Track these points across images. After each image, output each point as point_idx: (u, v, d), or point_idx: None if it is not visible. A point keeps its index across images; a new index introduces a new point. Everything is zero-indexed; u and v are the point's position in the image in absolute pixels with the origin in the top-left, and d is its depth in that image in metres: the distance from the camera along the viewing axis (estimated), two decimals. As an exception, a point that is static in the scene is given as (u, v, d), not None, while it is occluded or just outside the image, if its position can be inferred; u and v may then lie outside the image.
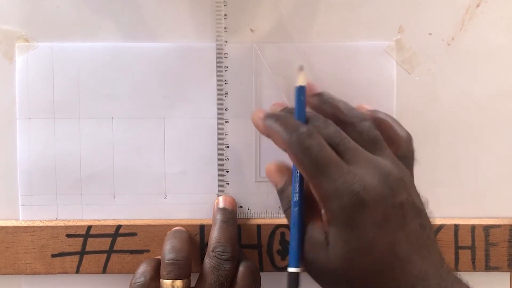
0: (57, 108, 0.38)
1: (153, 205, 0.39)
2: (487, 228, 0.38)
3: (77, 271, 0.38)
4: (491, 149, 0.39)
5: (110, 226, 0.38)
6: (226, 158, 0.39)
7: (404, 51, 0.38)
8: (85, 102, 0.38)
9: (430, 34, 0.38)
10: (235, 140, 0.39)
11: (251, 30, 0.38)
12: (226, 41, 0.38)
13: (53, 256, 0.38)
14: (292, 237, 0.30)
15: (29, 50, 0.38)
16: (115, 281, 0.39)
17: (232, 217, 0.37)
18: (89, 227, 0.38)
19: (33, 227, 0.38)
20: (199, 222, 0.38)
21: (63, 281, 0.39)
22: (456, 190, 0.39)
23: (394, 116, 0.38)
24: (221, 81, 0.38)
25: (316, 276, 0.31)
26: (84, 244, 0.38)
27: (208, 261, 0.34)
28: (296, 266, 0.30)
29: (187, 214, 0.39)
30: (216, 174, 0.39)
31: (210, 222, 0.38)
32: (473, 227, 0.38)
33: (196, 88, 0.38)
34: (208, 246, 0.35)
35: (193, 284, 0.34)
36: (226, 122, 0.38)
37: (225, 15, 0.38)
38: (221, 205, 0.37)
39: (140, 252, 0.38)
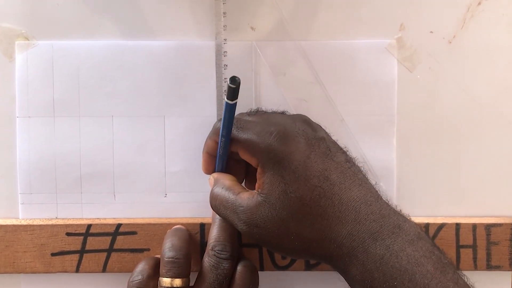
0: (57, 106, 0.38)
1: (153, 203, 0.39)
2: (488, 227, 0.38)
3: (77, 270, 0.38)
4: (493, 147, 0.39)
5: (110, 224, 0.38)
6: None
7: (405, 49, 0.38)
8: (85, 100, 0.38)
9: (431, 32, 0.38)
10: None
11: (252, 28, 0.38)
12: (225, 39, 0.38)
13: (53, 254, 0.38)
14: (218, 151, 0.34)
15: (29, 48, 0.38)
16: (115, 280, 0.39)
17: None
18: (89, 226, 0.38)
19: (33, 225, 0.38)
20: (199, 221, 0.38)
21: (62, 280, 0.39)
22: (458, 189, 0.39)
23: (395, 115, 0.38)
24: (220, 79, 0.38)
25: (265, 237, 0.31)
26: (84, 242, 0.38)
27: (207, 260, 0.34)
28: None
29: (187, 213, 0.39)
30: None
31: (210, 221, 0.38)
32: (474, 226, 0.38)
33: (196, 86, 0.38)
34: (207, 245, 0.35)
35: (192, 283, 0.34)
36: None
37: (224, 13, 0.38)
38: None
39: (140, 251, 0.38)
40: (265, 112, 0.35)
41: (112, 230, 0.38)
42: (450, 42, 0.38)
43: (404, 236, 0.29)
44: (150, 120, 0.38)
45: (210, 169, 0.36)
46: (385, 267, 0.28)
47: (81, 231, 0.38)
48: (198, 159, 0.38)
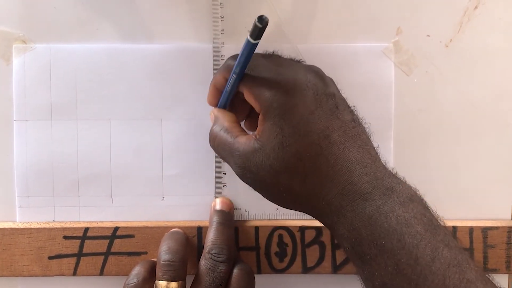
0: (55, 109, 0.38)
1: (151, 207, 0.39)
2: (485, 230, 0.38)
3: (74, 273, 0.38)
4: (489, 150, 0.39)
5: (107, 228, 0.38)
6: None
7: (402, 53, 0.38)
8: (82, 104, 0.38)
9: (428, 36, 0.38)
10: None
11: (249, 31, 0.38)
12: (223, 43, 0.38)
13: (50, 258, 0.38)
14: (227, 86, 0.33)
15: (26, 52, 0.38)
16: (112, 283, 0.39)
17: (228, 219, 0.37)
18: (86, 229, 0.38)
19: (30, 229, 0.38)
20: (197, 224, 0.38)
21: (60, 283, 0.39)
22: (454, 192, 0.39)
23: (392, 119, 0.38)
24: None
25: (256, 183, 0.31)
26: (81, 246, 0.38)
27: (204, 263, 0.34)
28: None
29: (185, 216, 0.39)
30: (213, 176, 0.39)
31: (207, 224, 0.38)
32: (471, 229, 0.38)
33: (193, 89, 0.38)
34: (204, 248, 0.35)
35: (188, 285, 0.34)
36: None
37: (222, 17, 0.38)
38: (218, 207, 0.37)
39: (138, 254, 0.38)
40: (279, 57, 0.34)
41: (109, 233, 0.38)
42: (447, 46, 0.39)
43: (395, 198, 0.29)
44: (147, 123, 0.38)
45: (214, 102, 0.35)
46: (373, 227, 0.28)
47: (79, 235, 0.38)
48: (195, 162, 0.39)
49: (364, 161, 0.30)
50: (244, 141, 0.31)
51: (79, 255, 0.38)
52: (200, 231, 0.38)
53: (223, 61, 0.38)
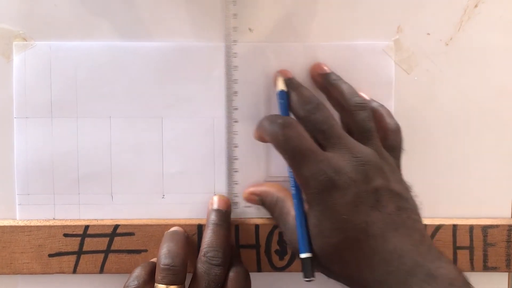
0: (55, 107, 0.38)
1: (151, 205, 0.39)
2: (485, 228, 0.38)
3: (74, 271, 0.38)
4: (490, 149, 0.39)
5: (107, 225, 0.38)
6: (235, 157, 0.39)
7: (402, 51, 0.39)
8: (82, 101, 0.38)
9: (428, 34, 0.39)
10: (244, 140, 0.38)
11: (250, 30, 0.38)
12: (235, 41, 0.38)
13: (50, 255, 0.38)
14: (298, 226, 0.33)
15: (26, 49, 0.38)
16: (112, 281, 0.39)
17: (225, 219, 0.37)
18: (87, 227, 0.38)
19: (30, 226, 0.38)
20: (197, 222, 0.38)
21: (60, 281, 0.39)
22: (454, 190, 0.39)
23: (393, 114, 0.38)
24: (230, 81, 0.38)
25: (298, 257, 0.33)
26: (81, 243, 0.38)
27: (199, 266, 0.34)
28: (306, 252, 0.32)
29: (185, 214, 0.39)
30: (213, 174, 0.39)
31: (208, 221, 0.38)
32: (471, 227, 0.38)
33: (194, 87, 0.38)
34: (200, 250, 0.35)
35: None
36: (235, 121, 0.38)
37: (235, 14, 0.38)
38: (215, 206, 0.37)
39: (138, 252, 0.38)
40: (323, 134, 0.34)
41: (109, 231, 0.38)
42: (447, 44, 0.39)
43: (434, 285, 0.29)
44: (148, 121, 0.38)
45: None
46: None
47: (79, 232, 0.38)
48: (195, 160, 0.39)
49: (404, 249, 0.30)
50: (293, 218, 0.33)
51: (79, 253, 0.38)
52: (200, 229, 0.38)
53: (236, 59, 0.38)
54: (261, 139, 0.36)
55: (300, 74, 0.38)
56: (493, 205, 0.39)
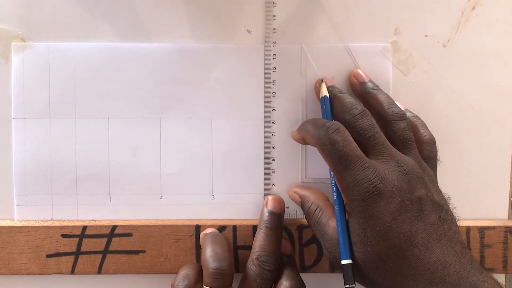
0: (53, 108, 0.38)
1: (149, 205, 0.39)
2: (482, 230, 0.38)
3: (72, 272, 0.38)
4: (486, 151, 0.39)
5: (105, 226, 0.38)
6: (273, 158, 0.39)
7: (400, 53, 0.39)
8: (81, 102, 0.38)
9: (426, 36, 0.39)
10: (281, 141, 0.39)
11: (248, 31, 0.38)
12: (274, 42, 0.38)
13: (48, 256, 0.38)
14: (339, 233, 0.32)
15: (25, 50, 0.38)
16: (110, 281, 0.39)
17: (278, 223, 0.37)
18: (85, 228, 0.38)
19: (28, 227, 0.38)
20: (195, 223, 0.38)
21: (58, 281, 0.39)
22: (451, 191, 0.39)
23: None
24: (268, 82, 0.38)
25: (340, 267, 0.32)
26: (79, 244, 0.38)
27: (252, 268, 0.34)
28: (347, 258, 0.32)
29: (183, 215, 0.39)
30: (211, 175, 0.39)
31: (205, 223, 0.38)
32: (468, 229, 0.38)
33: (192, 88, 0.38)
34: (252, 250, 0.35)
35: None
36: (273, 122, 0.38)
37: (274, 16, 0.38)
38: (269, 207, 0.37)
39: (136, 252, 0.38)
40: (376, 142, 0.33)
41: (107, 231, 0.38)
42: (445, 46, 0.39)
43: None
44: (146, 122, 0.39)
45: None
46: None
47: (77, 233, 0.38)
48: (193, 161, 0.39)
49: (447, 260, 0.30)
50: (334, 227, 0.33)
51: (77, 253, 0.38)
52: (198, 230, 0.38)
53: (275, 60, 0.38)
54: (302, 141, 0.36)
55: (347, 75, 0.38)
56: (490, 207, 0.39)
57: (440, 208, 0.32)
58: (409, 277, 0.30)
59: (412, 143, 0.34)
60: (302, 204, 0.36)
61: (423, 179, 0.32)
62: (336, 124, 0.33)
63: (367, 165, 0.31)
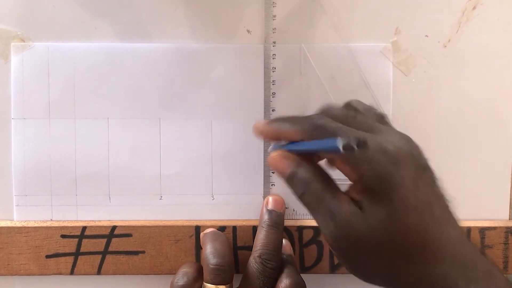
0: (53, 108, 0.38)
1: (149, 206, 0.39)
2: (482, 231, 0.38)
3: (72, 272, 0.38)
4: (487, 151, 0.39)
5: (105, 227, 0.38)
6: None
7: (400, 52, 0.38)
8: (80, 102, 0.38)
9: (426, 36, 0.38)
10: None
11: (248, 31, 0.38)
12: (274, 42, 0.38)
13: (48, 257, 0.38)
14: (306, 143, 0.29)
15: (24, 50, 0.38)
16: (110, 282, 0.39)
17: (280, 221, 0.36)
18: (84, 228, 0.38)
19: (28, 227, 0.38)
20: (194, 224, 0.38)
21: (57, 282, 0.39)
22: (452, 192, 0.39)
23: (390, 118, 0.38)
24: (268, 82, 0.38)
25: (354, 251, 0.28)
26: (79, 245, 0.38)
27: (254, 265, 0.34)
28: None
29: (183, 216, 0.39)
30: (211, 175, 0.39)
31: (205, 223, 0.38)
32: (468, 230, 0.38)
33: (191, 88, 0.38)
34: (254, 248, 0.35)
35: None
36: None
37: (274, 16, 0.38)
38: (270, 206, 0.37)
39: (135, 253, 0.38)
40: (365, 121, 0.30)
41: (107, 232, 0.38)
42: (445, 46, 0.39)
43: (495, 282, 0.27)
44: (145, 122, 0.38)
45: (264, 136, 0.32)
46: None
47: (76, 233, 0.38)
48: (193, 161, 0.39)
49: (462, 238, 0.28)
50: (347, 201, 0.28)
51: (77, 254, 0.38)
52: (198, 230, 0.38)
53: (275, 60, 0.38)
54: (279, 137, 0.31)
55: (348, 75, 0.38)
56: (491, 207, 0.39)
57: (440, 184, 0.30)
58: (431, 255, 0.27)
59: (387, 116, 0.32)
60: (295, 174, 0.30)
61: (420, 148, 0.30)
62: (318, 114, 0.30)
63: (373, 137, 0.28)
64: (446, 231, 0.28)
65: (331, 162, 0.31)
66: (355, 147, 0.25)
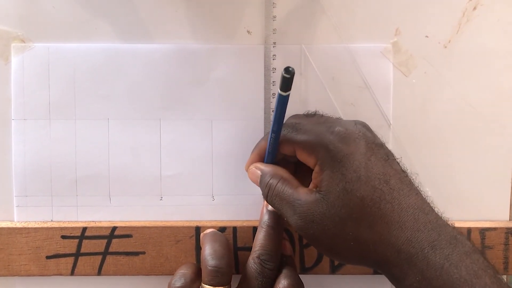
0: (53, 109, 0.38)
1: (149, 207, 0.39)
2: (483, 231, 0.38)
3: (72, 273, 0.38)
4: (487, 152, 0.39)
5: (105, 227, 0.38)
6: None
7: (401, 53, 0.38)
8: (81, 103, 0.38)
9: (427, 36, 0.38)
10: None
11: (248, 32, 0.38)
12: (274, 43, 0.38)
13: (48, 257, 0.38)
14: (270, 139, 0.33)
15: (25, 51, 0.38)
16: (110, 283, 0.39)
17: (279, 222, 0.36)
18: (84, 229, 0.38)
19: (28, 228, 0.38)
20: (195, 224, 0.38)
21: (57, 283, 0.39)
22: (452, 192, 0.39)
23: (390, 119, 0.38)
24: (268, 83, 0.38)
25: (321, 234, 0.31)
26: (79, 245, 0.38)
27: (252, 266, 0.34)
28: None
29: (183, 216, 0.39)
30: (211, 176, 0.39)
31: (205, 224, 0.38)
32: (469, 230, 0.38)
33: (192, 89, 0.38)
34: (253, 249, 0.35)
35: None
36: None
37: (274, 16, 0.38)
38: (270, 207, 0.37)
39: (136, 254, 0.38)
40: (322, 116, 0.35)
41: (107, 233, 0.38)
42: (446, 47, 0.39)
43: (461, 247, 0.28)
44: (146, 123, 0.38)
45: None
46: (445, 277, 0.28)
47: (76, 234, 0.38)
48: (193, 162, 0.39)
49: (424, 208, 0.30)
50: (306, 192, 0.31)
51: (77, 254, 0.38)
52: (198, 231, 0.38)
53: (275, 60, 0.38)
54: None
55: (348, 76, 0.38)
56: (491, 208, 0.39)
57: (399, 162, 0.32)
58: (394, 223, 0.29)
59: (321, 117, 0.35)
60: (261, 179, 0.34)
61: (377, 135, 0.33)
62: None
63: (322, 122, 0.33)
64: (406, 201, 0.30)
65: (293, 154, 0.34)
66: (285, 75, 0.29)
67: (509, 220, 0.39)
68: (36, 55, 0.38)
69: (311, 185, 0.32)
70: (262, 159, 0.35)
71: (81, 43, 0.38)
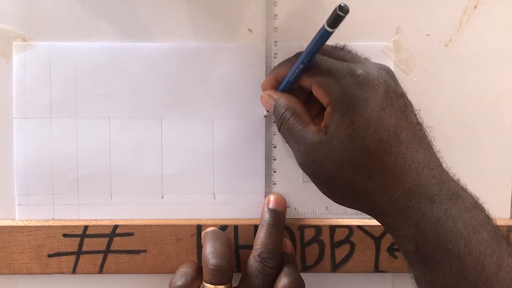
0: (54, 107, 0.38)
1: (150, 205, 0.39)
2: (484, 229, 0.38)
3: (74, 271, 0.38)
4: (488, 150, 0.39)
5: (106, 226, 0.38)
6: (274, 158, 0.39)
7: (401, 52, 0.39)
8: (82, 102, 0.38)
9: (427, 35, 0.39)
10: (283, 140, 0.38)
11: (249, 30, 0.38)
12: (276, 41, 0.38)
13: (49, 256, 0.38)
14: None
15: (26, 50, 0.38)
16: (111, 281, 0.39)
17: (281, 220, 0.37)
18: (86, 227, 0.38)
19: (29, 226, 0.38)
20: (196, 222, 0.38)
21: (59, 281, 0.39)
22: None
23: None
24: None
25: (319, 174, 0.31)
26: (81, 244, 0.38)
27: (253, 264, 0.34)
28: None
29: (184, 215, 0.39)
30: (213, 175, 0.39)
31: (206, 222, 0.38)
32: (470, 228, 0.38)
33: (193, 88, 0.38)
34: (254, 247, 0.35)
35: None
36: (274, 122, 0.38)
37: (275, 15, 0.38)
38: (271, 205, 0.37)
39: (137, 252, 0.38)
40: (350, 51, 0.34)
41: (108, 231, 0.38)
42: (446, 45, 0.39)
43: (461, 203, 0.28)
44: (147, 121, 0.39)
45: (267, 89, 0.36)
46: (440, 230, 0.28)
47: (78, 232, 0.38)
48: (195, 160, 0.39)
49: (430, 163, 0.30)
50: (313, 130, 0.31)
51: (79, 253, 0.38)
52: (199, 229, 0.38)
53: (276, 59, 0.38)
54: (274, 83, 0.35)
55: None
56: (492, 206, 0.39)
57: (416, 114, 0.32)
58: (394, 176, 0.29)
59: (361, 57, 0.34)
60: (275, 108, 0.34)
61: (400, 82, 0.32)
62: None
63: (345, 63, 0.31)
64: (412, 155, 0.29)
65: (310, 87, 0.33)
66: (339, 13, 0.28)
67: (510, 218, 0.39)
68: (37, 54, 0.38)
69: (322, 124, 0.31)
70: (278, 82, 0.35)
71: (82, 42, 0.38)
